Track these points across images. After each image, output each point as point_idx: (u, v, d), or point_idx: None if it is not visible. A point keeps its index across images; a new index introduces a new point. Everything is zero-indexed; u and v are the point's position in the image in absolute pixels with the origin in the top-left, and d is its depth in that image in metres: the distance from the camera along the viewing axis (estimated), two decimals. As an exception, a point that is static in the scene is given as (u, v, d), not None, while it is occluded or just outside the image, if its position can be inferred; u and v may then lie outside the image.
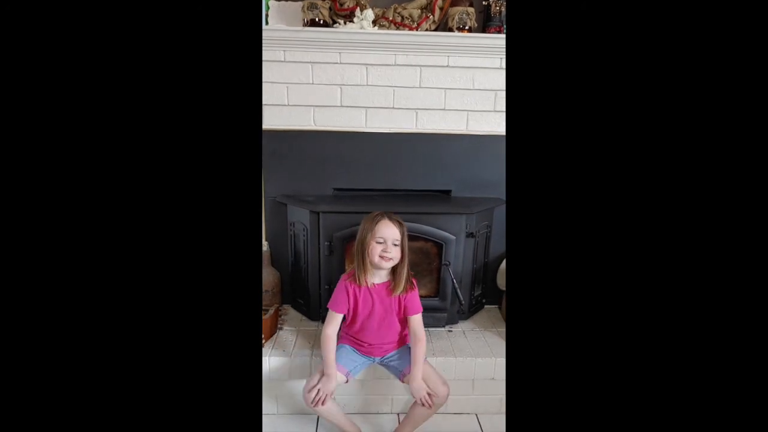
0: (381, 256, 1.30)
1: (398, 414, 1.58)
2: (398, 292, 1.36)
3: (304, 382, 1.52)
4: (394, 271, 1.36)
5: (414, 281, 1.41)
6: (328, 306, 1.41)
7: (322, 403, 1.30)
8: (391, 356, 1.43)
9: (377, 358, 1.44)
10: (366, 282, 1.36)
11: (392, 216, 1.34)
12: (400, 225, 1.33)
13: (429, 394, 1.32)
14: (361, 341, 1.42)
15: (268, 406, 1.56)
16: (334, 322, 1.36)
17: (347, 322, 1.43)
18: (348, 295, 1.37)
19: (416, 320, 1.38)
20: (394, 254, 1.31)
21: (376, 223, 1.31)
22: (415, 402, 1.36)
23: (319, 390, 1.29)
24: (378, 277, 1.38)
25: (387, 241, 1.30)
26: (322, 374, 1.33)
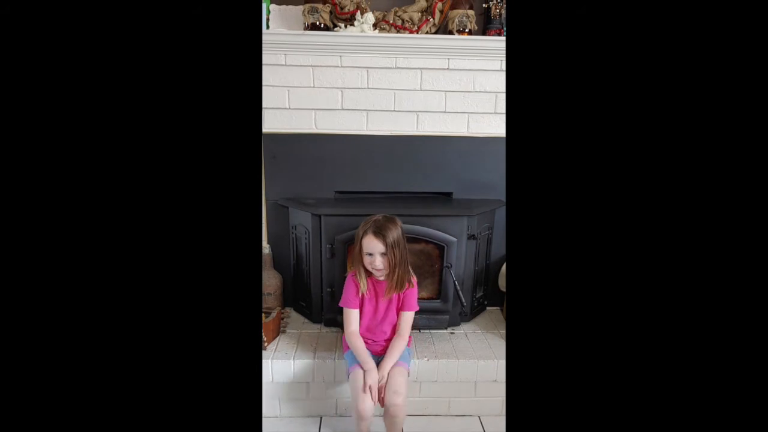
0: (373, 268, 1.38)
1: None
2: (393, 292, 1.41)
3: (306, 384, 1.53)
4: (390, 274, 1.40)
5: (414, 281, 1.45)
6: (340, 305, 1.45)
7: (379, 399, 1.30)
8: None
9: (378, 357, 1.44)
10: (366, 285, 1.41)
11: (381, 226, 1.35)
12: (383, 237, 1.33)
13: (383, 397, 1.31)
14: (366, 338, 1.44)
15: (270, 409, 1.56)
16: (353, 319, 1.42)
17: None
18: (357, 290, 1.42)
19: (406, 317, 1.44)
20: (382, 265, 1.36)
21: (362, 237, 1.36)
22: (384, 414, 1.36)
23: (370, 387, 1.30)
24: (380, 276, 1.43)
25: (374, 254, 1.36)
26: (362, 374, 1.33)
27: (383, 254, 1.35)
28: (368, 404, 1.28)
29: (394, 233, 1.35)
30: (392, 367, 1.36)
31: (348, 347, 1.44)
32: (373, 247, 1.34)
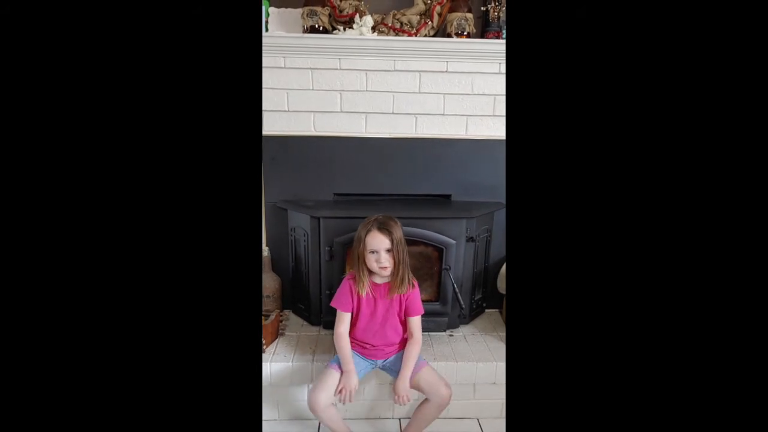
0: (378, 267, 1.35)
1: (400, 419, 1.58)
2: (396, 292, 1.40)
3: (305, 387, 1.53)
4: (394, 272, 1.38)
5: (415, 282, 1.44)
6: (332, 305, 1.44)
7: (350, 400, 1.33)
8: (392, 359, 1.44)
9: (379, 362, 1.44)
10: (366, 288, 1.39)
11: (384, 222, 1.35)
12: (389, 233, 1.34)
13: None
14: (365, 343, 1.43)
15: (269, 412, 1.56)
16: (343, 320, 1.40)
17: (351, 323, 1.44)
18: (352, 293, 1.40)
19: (414, 321, 1.42)
20: (388, 262, 1.35)
21: (366, 234, 1.35)
22: (421, 404, 1.39)
23: (342, 389, 1.33)
24: (380, 278, 1.41)
25: (379, 251, 1.34)
26: (336, 373, 1.36)
27: (389, 251, 1.34)
28: (324, 398, 1.31)
29: (398, 230, 1.36)
30: (421, 370, 1.37)
31: None
32: (378, 243, 1.33)
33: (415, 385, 1.36)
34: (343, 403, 1.34)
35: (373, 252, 1.34)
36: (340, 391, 1.32)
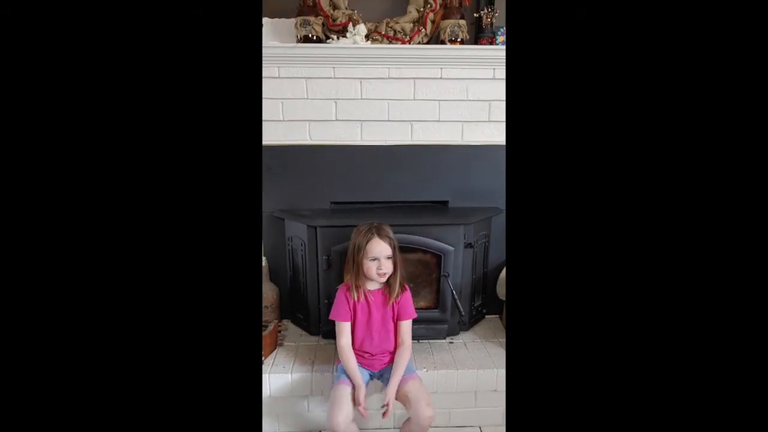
0: (377, 273, 1.36)
1: (399, 429, 1.56)
2: (393, 299, 1.40)
3: (305, 398, 1.51)
4: (388, 279, 1.39)
5: (406, 286, 1.45)
6: (331, 317, 1.43)
7: (365, 414, 1.31)
8: (388, 368, 1.42)
9: (376, 372, 1.43)
10: (361, 295, 1.40)
11: (381, 229, 1.37)
12: (389, 239, 1.36)
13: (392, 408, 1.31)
14: (362, 352, 1.42)
15: (268, 424, 1.54)
16: (344, 331, 1.40)
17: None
18: (348, 302, 1.40)
19: (405, 326, 1.42)
20: (388, 268, 1.36)
21: (367, 242, 1.35)
22: (404, 423, 1.36)
23: (360, 402, 1.30)
24: (373, 285, 1.42)
25: (380, 258, 1.35)
26: (348, 387, 1.34)
27: (389, 257, 1.35)
28: (344, 417, 1.27)
29: (392, 235, 1.38)
30: (409, 382, 1.34)
31: None
32: (380, 251, 1.34)
33: (400, 397, 1.33)
34: (365, 417, 1.32)
35: (374, 259, 1.35)
36: (359, 405, 1.29)
